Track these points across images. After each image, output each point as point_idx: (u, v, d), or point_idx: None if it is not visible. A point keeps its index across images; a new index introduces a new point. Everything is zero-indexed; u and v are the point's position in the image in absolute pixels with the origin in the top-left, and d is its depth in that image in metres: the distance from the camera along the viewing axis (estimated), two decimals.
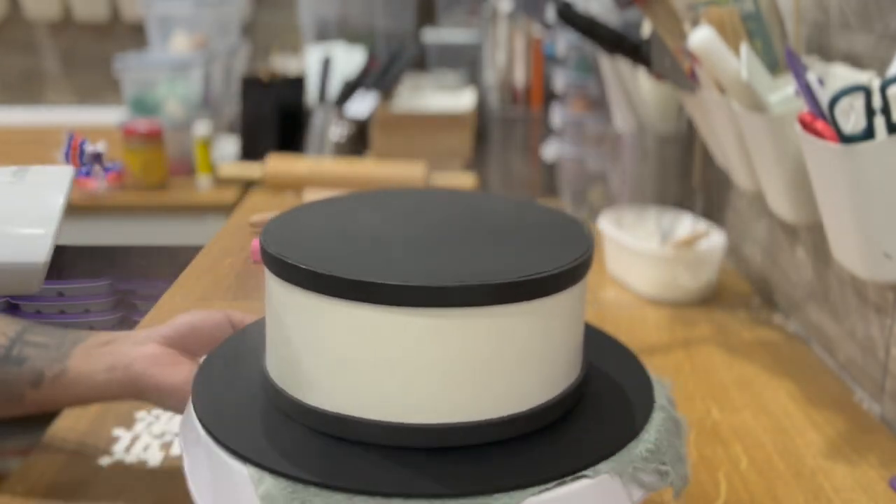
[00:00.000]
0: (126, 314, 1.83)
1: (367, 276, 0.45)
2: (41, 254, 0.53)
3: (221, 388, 0.54)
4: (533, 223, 0.56)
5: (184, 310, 0.67)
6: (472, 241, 0.52)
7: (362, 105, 1.92)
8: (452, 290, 0.44)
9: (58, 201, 0.56)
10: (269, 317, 0.51)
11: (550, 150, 1.63)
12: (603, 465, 0.46)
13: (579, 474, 0.45)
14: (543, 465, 0.46)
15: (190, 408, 0.52)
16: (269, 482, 0.44)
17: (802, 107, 0.71)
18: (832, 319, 0.92)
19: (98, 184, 1.82)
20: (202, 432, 0.49)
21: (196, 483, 0.49)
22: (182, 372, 0.62)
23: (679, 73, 0.96)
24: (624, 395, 0.54)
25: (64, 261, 1.80)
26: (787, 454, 0.76)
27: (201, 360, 0.60)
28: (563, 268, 0.47)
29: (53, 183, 0.58)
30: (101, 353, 0.63)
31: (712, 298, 1.11)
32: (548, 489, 0.44)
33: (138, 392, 0.62)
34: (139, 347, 0.63)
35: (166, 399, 0.62)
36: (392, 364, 0.46)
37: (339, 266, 0.46)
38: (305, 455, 0.46)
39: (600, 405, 0.52)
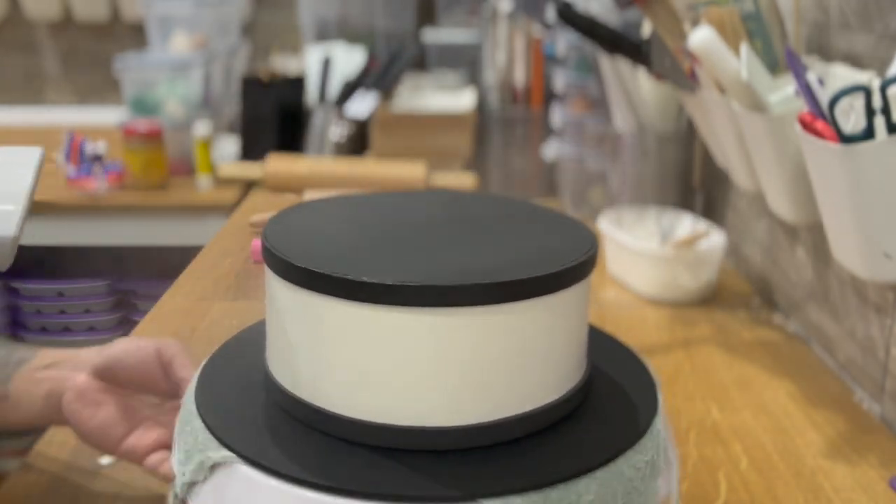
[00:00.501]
0: (126, 314, 1.84)
1: (370, 275, 0.44)
2: (10, 228, 0.54)
3: (223, 388, 0.54)
4: (533, 223, 0.56)
5: (184, 310, 0.66)
6: (472, 240, 0.52)
7: (362, 105, 1.92)
8: (455, 290, 0.44)
9: (27, 178, 0.57)
10: (271, 317, 0.51)
11: (550, 150, 1.63)
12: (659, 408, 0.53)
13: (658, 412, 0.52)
14: (546, 467, 0.46)
15: (192, 406, 0.52)
16: None
17: (802, 107, 0.71)
18: (832, 319, 0.92)
19: (98, 184, 1.82)
20: (203, 432, 0.49)
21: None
22: (99, 415, 0.61)
23: (679, 73, 0.96)
24: (627, 395, 0.54)
25: (64, 261, 1.80)
26: (787, 454, 0.76)
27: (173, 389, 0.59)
28: (568, 264, 0.47)
29: (22, 162, 0.58)
30: (42, 377, 0.62)
31: (712, 298, 1.11)
32: (646, 431, 0.49)
33: (65, 422, 0.62)
34: (74, 375, 0.62)
35: (83, 439, 0.62)
36: (395, 365, 0.45)
37: (342, 266, 0.46)
38: (307, 456, 0.46)
39: (604, 405, 0.52)
